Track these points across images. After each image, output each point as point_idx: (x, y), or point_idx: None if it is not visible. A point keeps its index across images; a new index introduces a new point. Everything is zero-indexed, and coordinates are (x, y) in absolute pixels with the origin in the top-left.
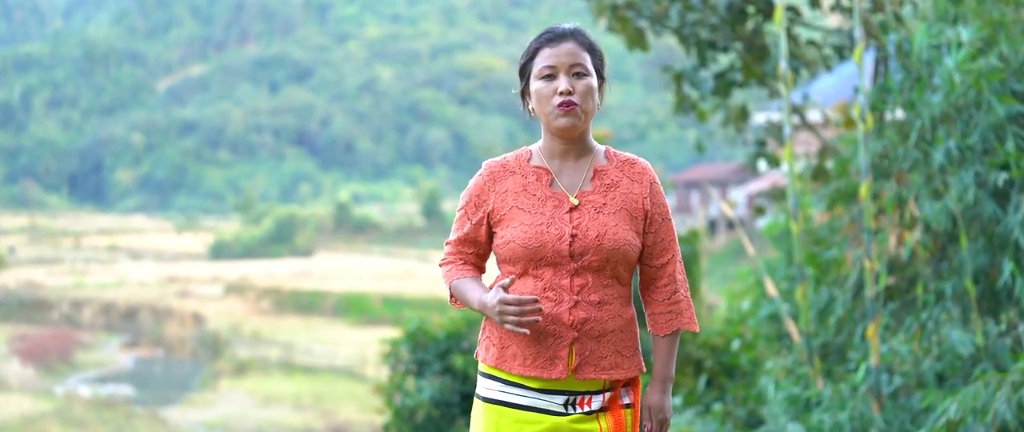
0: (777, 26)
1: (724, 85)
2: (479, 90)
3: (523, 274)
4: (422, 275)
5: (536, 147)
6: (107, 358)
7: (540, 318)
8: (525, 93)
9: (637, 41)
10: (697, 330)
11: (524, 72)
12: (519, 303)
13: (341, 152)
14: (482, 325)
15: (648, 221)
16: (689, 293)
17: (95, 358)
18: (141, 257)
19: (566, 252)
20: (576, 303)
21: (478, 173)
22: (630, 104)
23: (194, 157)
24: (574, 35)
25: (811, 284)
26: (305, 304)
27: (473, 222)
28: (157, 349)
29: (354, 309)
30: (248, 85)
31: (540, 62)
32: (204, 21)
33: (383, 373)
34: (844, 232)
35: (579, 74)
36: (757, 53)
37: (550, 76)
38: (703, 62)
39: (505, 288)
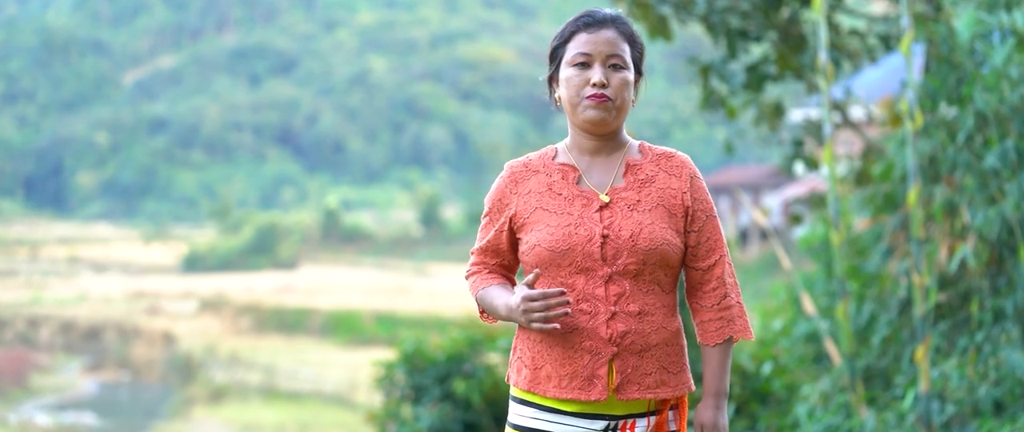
0: (816, 13)
1: (757, 78)
2: (484, 84)
3: (552, 285)
4: (419, 290)
5: (562, 144)
6: (67, 382)
7: (570, 310)
8: (553, 80)
9: (660, 30)
10: (752, 339)
11: (555, 56)
12: (543, 296)
13: (329, 153)
14: (513, 344)
15: (690, 218)
16: (741, 298)
17: (54, 382)
18: (105, 270)
19: (598, 255)
20: (613, 315)
21: (500, 175)
22: (651, 99)
23: (165, 158)
24: (615, 22)
25: (853, 300)
26: (289, 322)
27: (495, 228)
28: (123, 372)
29: (343, 328)
30: (225, 78)
31: (574, 48)
32: (176, 7)
33: (376, 399)
34: (890, 242)
35: (616, 66)
36: (793, 43)
37: (584, 65)
38: (733, 53)
39: (530, 285)
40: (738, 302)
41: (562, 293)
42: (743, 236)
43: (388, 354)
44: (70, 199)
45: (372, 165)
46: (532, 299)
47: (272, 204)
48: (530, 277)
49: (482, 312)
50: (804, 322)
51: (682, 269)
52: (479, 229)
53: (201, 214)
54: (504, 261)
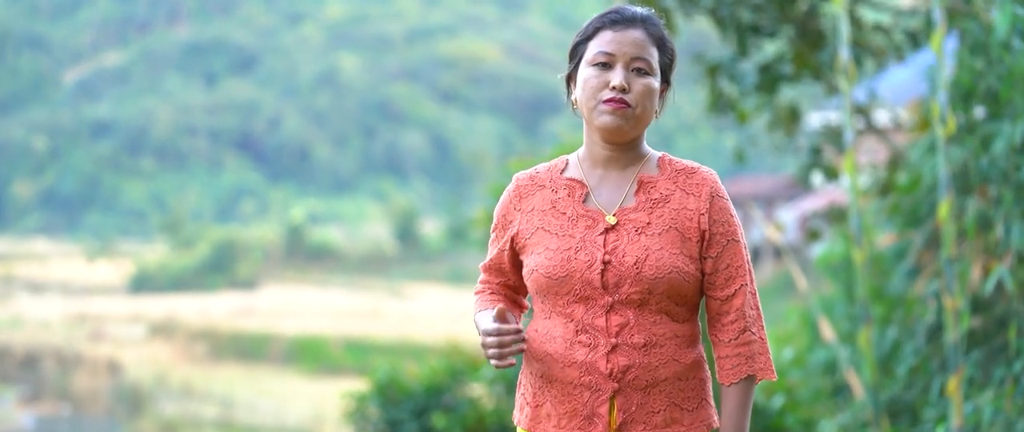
0: (837, 6)
1: (770, 79)
2: (466, 84)
3: (552, 313)
4: (394, 314)
5: (576, 155)
6: (2, 415)
7: (524, 348)
8: (571, 80)
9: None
10: (775, 378)
11: (575, 54)
12: (498, 332)
13: (294, 160)
14: (518, 378)
15: (707, 243)
16: (765, 333)
17: None
18: (43, 290)
19: (598, 283)
20: (614, 347)
21: (507, 188)
22: None
23: (110, 166)
24: (645, 23)
25: (877, 326)
26: (248, 349)
27: (499, 246)
28: (63, 405)
29: (309, 355)
30: (178, 77)
31: (597, 45)
32: None
33: None
34: (917, 261)
35: (640, 70)
36: (812, 39)
37: (605, 65)
38: (744, 50)
39: (495, 317)
40: (760, 337)
41: (518, 331)
42: (754, 254)
43: (359, 385)
44: (4, 211)
45: (341, 174)
46: (487, 334)
47: (230, 217)
48: (495, 310)
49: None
50: (821, 350)
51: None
52: (489, 244)
53: (150, 228)
54: (508, 281)
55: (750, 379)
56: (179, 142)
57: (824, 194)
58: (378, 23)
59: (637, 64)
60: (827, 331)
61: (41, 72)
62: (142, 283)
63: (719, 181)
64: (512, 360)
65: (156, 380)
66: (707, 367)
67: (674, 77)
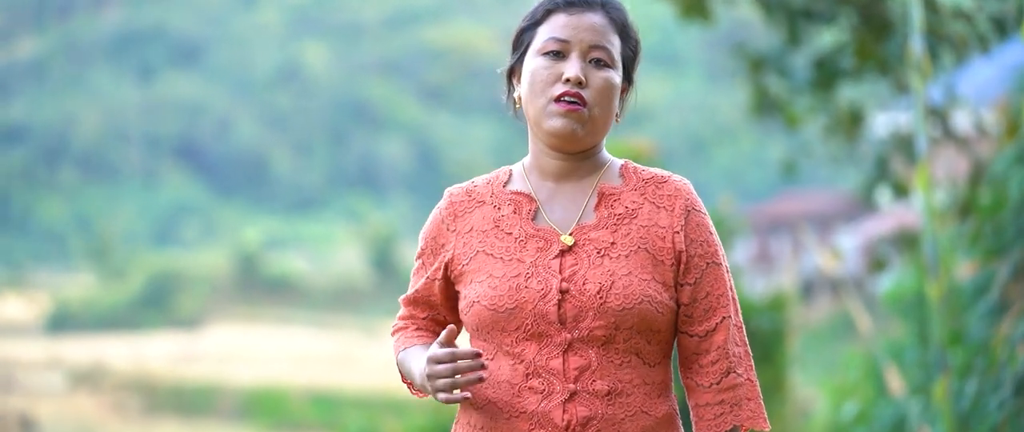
0: None
1: (827, 75)
2: (456, 80)
3: (496, 353)
4: (369, 359)
5: (520, 165)
6: None
7: (484, 375)
8: (515, 74)
9: (696, 10)
10: (767, 428)
11: (520, 43)
12: (453, 357)
13: (247, 172)
14: (452, 428)
15: (683, 267)
16: (754, 373)
17: None
18: None
19: (554, 317)
20: (572, 395)
21: (437, 205)
22: (685, 102)
23: (22, 179)
24: (606, 6)
25: (955, 376)
26: (191, 402)
27: (428, 275)
28: None
29: (266, 410)
30: (106, 71)
31: (547, 31)
32: None
33: None
34: (1003, 296)
35: (600, 62)
36: (877, 27)
37: (557, 54)
38: (795, 41)
39: (442, 343)
40: (748, 379)
41: (477, 354)
42: (807, 288)
43: None
44: None
45: (305, 189)
46: (438, 360)
47: (169, 242)
48: (443, 334)
49: (407, 382)
50: (889, 405)
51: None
52: (412, 273)
53: (72, 255)
54: (438, 315)
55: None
56: (107, 150)
57: (891, 215)
58: (350, 7)
59: (596, 54)
60: (895, 382)
61: None
62: (61, 322)
63: (694, 192)
64: (467, 392)
65: None
66: (680, 423)
67: (637, 75)
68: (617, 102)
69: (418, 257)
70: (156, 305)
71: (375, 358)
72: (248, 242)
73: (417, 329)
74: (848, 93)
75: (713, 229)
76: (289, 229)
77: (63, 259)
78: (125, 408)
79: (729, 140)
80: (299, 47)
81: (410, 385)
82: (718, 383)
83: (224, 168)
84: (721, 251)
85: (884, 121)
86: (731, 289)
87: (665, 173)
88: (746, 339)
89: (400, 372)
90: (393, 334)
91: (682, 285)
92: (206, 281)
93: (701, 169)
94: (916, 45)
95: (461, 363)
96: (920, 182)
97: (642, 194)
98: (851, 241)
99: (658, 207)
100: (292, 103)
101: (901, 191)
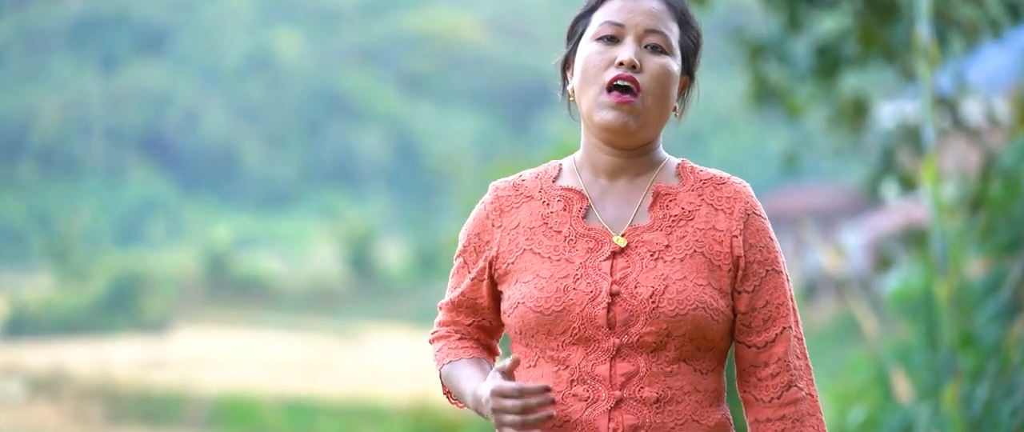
0: None
1: (829, 62)
2: (437, 69)
3: (539, 358)
4: (347, 364)
5: (572, 160)
6: None
7: (554, 413)
8: (569, 66)
9: None
10: None
11: (574, 32)
12: (521, 393)
13: (216, 167)
14: None
15: (741, 274)
16: (815, 388)
17: None
18: None
19: (602, 321)
20: (619, 402)
21: (481, 200)
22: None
23: None
24: None
25: (966, 380)
26: (157, 411)
27: (472, 276)
28: None
29: (236, 419)
30: (67, 60)
31: (602, 16)
32: None
33: None
34: (1016, 296)
35: (656, 48)
36: (883, 11)
37: (611, 39)
38: (797, 26)
39: (505, 372)
40: (810, 394)
41: (546, 390)
42: (809, 287)
43: None
44: None
45: (278, 185)
46: (504, 395)
47: (134, 240)
48: (507, 362)
49: (447, 393)
50: (896, 411)
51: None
52: (451, 274)
53: (31, 254)
54: (484, 321)
55: None
56: (68, 144)
57: (898, 210)
58: None
59: (651, 39)
60: (903, 386)
61: None
62: (19, 326)
63: (754, 195)
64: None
65: None
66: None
67: (699, 70)
68: (674, 93)
69: (459, 255)
70: (120, 308)
71: (351, 364)
72: (217, 241)
73: (461, 338)
74: (852, 81)
75: (773, 235)
76: (261, 227)
77: (21, 259)
78: (87, 417)
79: (727, 131)
80: (271, 34)
81: (449, 395)
82: (779, 398)
83: (192, 162)
84: (781, 258)
85: (890, 111)
86: (792, 298)
87: (724, 174)
88: (807, 352)
89: (443, 385)
90: (432, 341)
91: (740, 292)
92: (173, 282)
93: (697, 162)
94: (924, 30)
95: (529, 401)
96: (928, 175)
97: (699, 195)
98: (856, 238)
99: (716, 209)
100: (264, 93)
101: (908, 185)
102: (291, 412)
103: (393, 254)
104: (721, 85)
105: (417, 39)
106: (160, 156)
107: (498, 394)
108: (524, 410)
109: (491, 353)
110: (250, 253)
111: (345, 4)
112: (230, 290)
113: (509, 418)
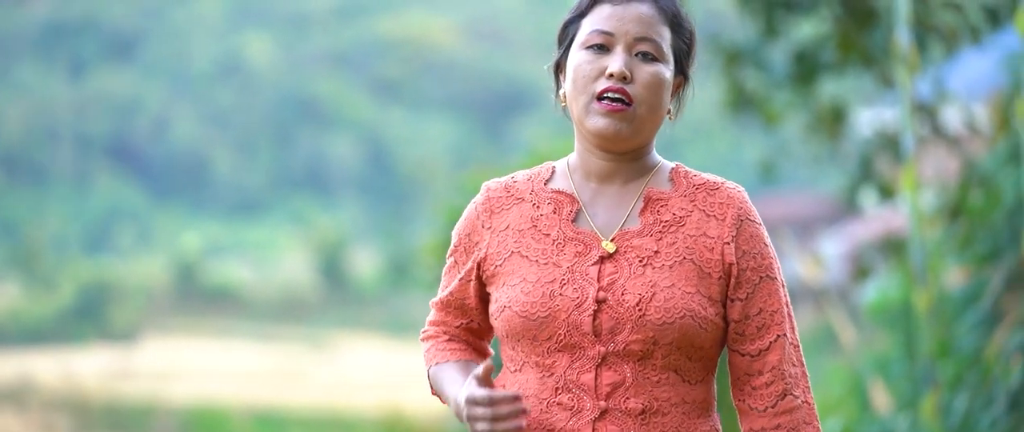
0: None
1: (807, 69)
2: (411, 74)
3: (524, 363)
4: (318, 375)
5: (565, 162)
6: None
7: (523, 424)
8: (561, 70)
9: None
10: None
11: (565, 36)
12: (491, 401)
13: (185, 174)
14: None
15: (734, 281)
16: (812, 396)
17: None
18: None
19: (588, 327)
20: (603, 412)
21: (473, 200)
22: None
23: None
24: None
25: (945, 391)
26: (126, 421)
27: (461, 276)
28: None
29: (206, 429)
30: (33, 66)
31: (592, 23)
32: None
33: None
34: (996, 305)
35: (647, 55)
36: (861, 17)
37: (601, 47)
38: (773, 32)
39: (480, 378)
40: (806, 402)
41: (516, 398)
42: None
43: None
44: None
45: (248, 192)
46: (475, 402)
47: (101, 249)
48: (480, 369)
49: (437, 393)
50: (874, 422)
51: (722, 351)
52: (443, 272)
53: None
54: (472, 323)
55: None
56: (35, 151)
57: (876, 219)
58: None
59: (642, 47)
60: (881, 398)
61: None
62: None
63: (749, 200)
64: None
65: None
66: None
67: (693, 69)
68: (668, 98)
69: (450, 254)
70: (88, 317)
71: (323, 374)
72: (187, 249)
73: (449, 340)
74: (830, 88)
75: (768, 241)
76: (231, 235)
77: None
78: (54, 428)
79: (702, 139)
80: (241, 39)
81: (439, 396)
82: (773, 406)
83: (161, 169)
84: (776, 264)
85: (869, 118)
86: (787, 305)
87: (719, 179)
88: (803, 359)
89: (431, 385)
90: (422, 340)
91: (733, 300)
92: (141, 291)
93: None
94: (903, 36)
95: (500, 409)
96: (907, 183)
97: (692, 200)
98: (833, 247)
99: (708, 215)
100: (234, 99)
101: (887, 193)
102: (262, 423)
103: (365, 263)
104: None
105: (390, 44)
106: (128, 163)
107: (470, 402)
108: (495, 418)
109: (482, 354)
110: (220, 262)
111: (316, 8)
112: (200, 299)
113: (480, 426)
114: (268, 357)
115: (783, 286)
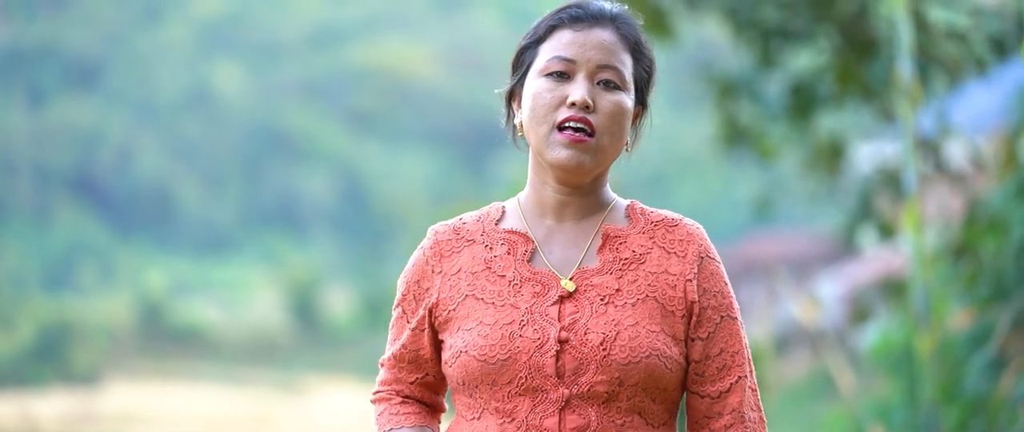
0: (895, 3)
1: (804, 101)
2: (386, 106)
3: (483, 411)
4: (290, 419)
5: (516, 201)
6: None
7: None
8: (515, 98)
9: (656, 26)
10: None
11: (521, 62)
12: None
13: (150, 209)
14: None
15: (695, 320)
16: None
17: None
18: None
19: (551, 370)
20: None
21: (420, 245)
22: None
23: None
24: (616, 20)
25: None
26: None
27: (412, 326)
28: None
29: None
30: None
31: (551, 49)
32: None
33: None
34: (1002, 348)
35: (609, 83)
36: (861, 48)
37: (561, 75)
38: (769, 63)
39: None
40: None
41: None
42: (781, 341)
43: None
44: None
45: (216, 228)
46: None
47: (62, 286)
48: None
49: None
50: None
51: (684, 394)
52: (390, 326)
53: None
54: (428, 377)
55: None
56: None
57: (876, 259)
58: (267, 23)
59: (604, 74)
60: None
61: None
62: None
63: (708, 238)
64: None
65: None
66: None
67: (652, 98)
68: (628, 129)
69: (397, 305)
70: (48, 358)
71: (295, 418)
72: (152, 288)
73: (403, 401)
74: (828, 122)
75: (727, 280)
76: (198, 273)
77: None
78: None
79: (694, 174)
80: (209, 68)
81: None
82: None
83: (124, 204)
84: (736, 305)
85: (868, 153)
86: (747, 347)
87: (676, 216)
88: (760, 404)
89: None
90: (374, 402)
91: (693, 339)
92: (104, 331)
93: (662, 207)
94: (905, 68)
95: None
96: (909, 221)
97: (651, 238)
98: (831, 288)
99: (668, 253)
100: (201, 131)
101: (887, 232)
102: None
103: (339, 303)
104: (688, 126)
105: (365, 73)
106: (91, 197)
107: None
108: None
109: (436, 412)
110: (187, 301)
111: (288, 36)
112: (165, 340)
113: None
114: (237, 401)
115: (742, 327)
